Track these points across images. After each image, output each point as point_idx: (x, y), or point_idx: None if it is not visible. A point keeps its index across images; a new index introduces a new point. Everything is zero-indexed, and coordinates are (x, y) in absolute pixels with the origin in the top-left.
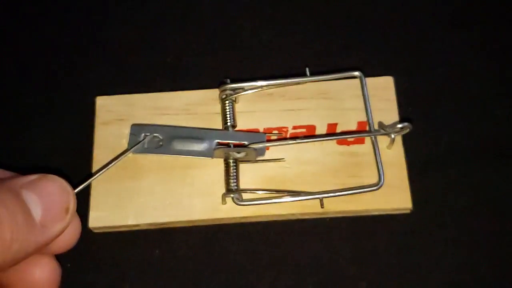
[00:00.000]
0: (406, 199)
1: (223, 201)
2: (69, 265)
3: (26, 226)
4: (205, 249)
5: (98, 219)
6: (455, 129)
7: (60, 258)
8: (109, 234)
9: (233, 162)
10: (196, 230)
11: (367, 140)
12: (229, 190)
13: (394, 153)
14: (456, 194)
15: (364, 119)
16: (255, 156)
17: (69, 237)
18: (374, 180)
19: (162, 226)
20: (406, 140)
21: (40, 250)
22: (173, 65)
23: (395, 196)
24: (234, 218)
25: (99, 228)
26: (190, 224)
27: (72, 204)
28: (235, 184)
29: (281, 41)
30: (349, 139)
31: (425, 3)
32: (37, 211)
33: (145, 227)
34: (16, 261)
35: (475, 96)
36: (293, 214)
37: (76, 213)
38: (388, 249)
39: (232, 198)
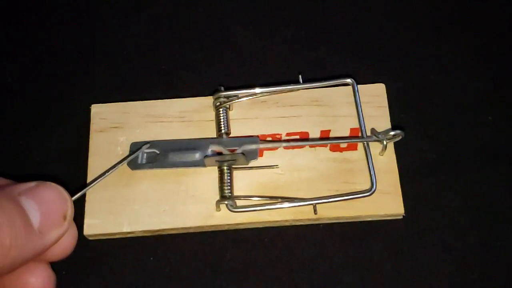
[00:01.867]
0: (399, 205)
1: (217, 208)
2: (64, 272)
3: (25, 232)
4: (199, 255)
5: (93, 226)
6: (447, 135)
7: (55, 265)
8: (104, 241)
9: (227, 169)
10: (191, 237)
11: (360, 146)
12: (223, 197)
13: (386, 160)
14: (448, 199)
15: (357, 125)
16: (247, 161)
17: (65, 244)
18: (367, 186)
19: (156, 233)
20: (398, 146)
21: (37, 256)
22: (168, 72)
23: (388, 202)
24: (228, 224)
25: (94, 235)
26: (185, 231)
27: (70, 211)
28: (229, 191)
29: (275, 49)
30: (341, 146)
31: (417, 11)
32: (35, 218)
33: (140, 234)
34: (14, 267)
35: (467, 102)
36: (286, 221)
37: (73, 221)
38: (381, 253)
39: (226, 205)
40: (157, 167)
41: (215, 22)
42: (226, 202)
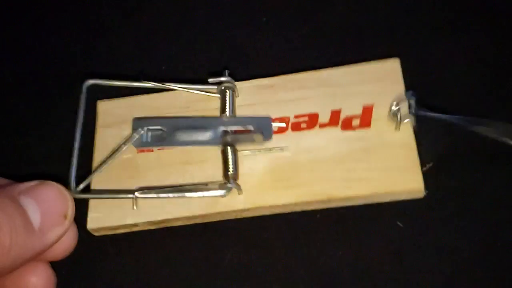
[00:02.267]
0: (418, 180)
1: (222, 191)
2: (63, 272)
3: (25, 231)
4: (199, 255)
5: (97, 220)
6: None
7: (55, 265)
8: (104, 241)
9: (231, 151)
10: (191, 237)
11: (373, 123)
12: (227, 180)
13: (402, 135)
14: (448, 199)
15: (370, 102)
16: (264, 139)
17: (66, 244)
18: (382, 163)
19: (161, 226)
20: None
21: (38, 255)
22: (168, 73)
23: (406, 178)
24: (234, 211)
25: (98, 229)
26: (190, 222)
27: (70, 210)
28: (234, 172)
29: (276, 49)
30: (354, 124)
31: (415, 10)
32: (35, 217)
33: (144, 227)
34: (15, 267)
35: (467, 101)
36: (296, 204)
37: (73, 221)
38: (381, 253)
39: (232, 187)
40: (164, 145)
41: (215, 22)
42: (231, 184)
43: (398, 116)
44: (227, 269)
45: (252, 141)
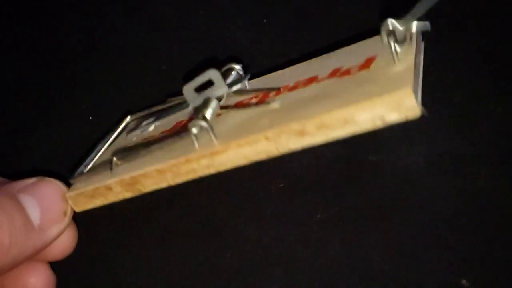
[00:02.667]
0: (407, 91)
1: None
2: (63, 272)
3: (25, 229)
4: (199, 256)
5: (73, 189)
6: (447, 134)
7: (54, 265)
8: (103, 241)
9: (214, 101)
10: (190, 237)
11: (373, 65)
12: (197, 118)
13: (402, 64)
14: (448, 199)
15: (373, 55)
16: (227, 84)
17: (65, 244)
18: (371, 87)
19: (136, 191)
20: (399, 145)
21: (38, 253)
22: (168, 72)
23: (393, 92)
24: (204, 156)
25: (76, 198)
26: (163, 183)
27: (70, 206)
28: (210, 116)
29: (276, 51)
30: (352, 71)
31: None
32: (35, 214)
33: (119, 192)
34: (15, 265)
35: (466, 100)
36: (267, 138)
37: (73, 221)
38: (381, 253)
39: (203, 125)
40: (151, 124)
41: (215, 23)
42: (201, 122)
43: (392, 44)
44: (227, 269)
45: (218, 85)
